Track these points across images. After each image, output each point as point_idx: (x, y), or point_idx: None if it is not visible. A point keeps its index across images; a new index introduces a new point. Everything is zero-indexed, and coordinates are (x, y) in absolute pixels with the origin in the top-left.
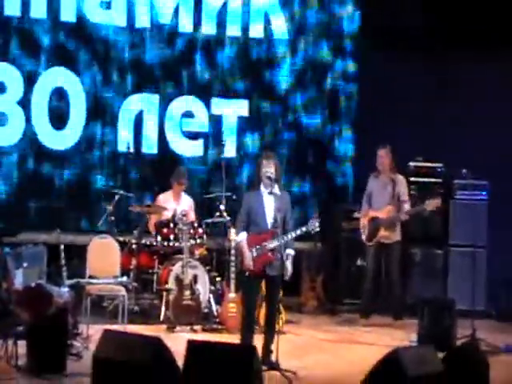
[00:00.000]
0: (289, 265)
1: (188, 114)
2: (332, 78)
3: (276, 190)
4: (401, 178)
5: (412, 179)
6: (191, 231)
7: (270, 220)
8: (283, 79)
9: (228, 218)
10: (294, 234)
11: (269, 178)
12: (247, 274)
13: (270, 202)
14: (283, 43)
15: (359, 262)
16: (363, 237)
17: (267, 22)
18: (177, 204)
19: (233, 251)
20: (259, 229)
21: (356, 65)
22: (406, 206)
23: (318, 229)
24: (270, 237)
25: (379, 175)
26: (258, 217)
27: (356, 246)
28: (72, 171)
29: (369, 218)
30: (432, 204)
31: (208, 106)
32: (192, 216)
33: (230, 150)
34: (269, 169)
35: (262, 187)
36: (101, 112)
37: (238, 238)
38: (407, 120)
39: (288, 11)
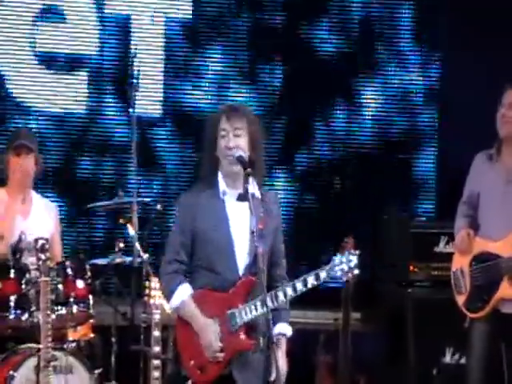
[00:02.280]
0: (281, 359)
1: None
2: None
3: (253, 188)
4: None
5: None
6: (59, 288)
7: (242, 256)
8: None
9: (145, 257)
10: (299, 287)
11: (240, 160)
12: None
13: (240, 216)
14: None
15: (450, 355)
16: (459, 298)
17: None
18: (23, 216)
19: (155, 334)
20: (218, 278)
21: None
22: None
23: (356, 270)
24: (244, 294)
25: (497, 156)
26: (215, 249)
27: (438, 317)
28: None
29: (474, 255)
30: None
31: None
32: (58, 248)
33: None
34: (236, 141)
35: (221, 183)
36: None
37: (175, 299)
38: None
39: None
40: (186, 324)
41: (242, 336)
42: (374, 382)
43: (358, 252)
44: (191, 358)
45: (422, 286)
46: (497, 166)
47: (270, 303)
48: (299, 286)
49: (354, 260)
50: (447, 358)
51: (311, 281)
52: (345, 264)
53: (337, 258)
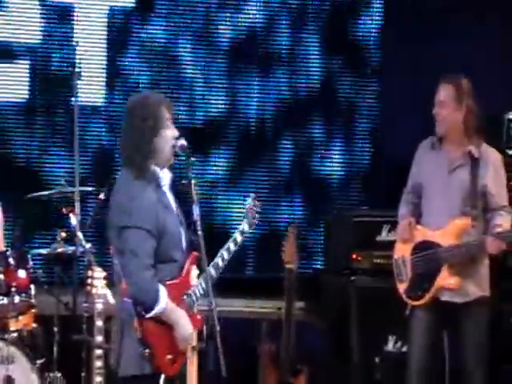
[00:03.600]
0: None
1: None
2: None
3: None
4: (492, 154)
5: None
6: (0, 277)
7: (183, 240)
8: None
9: (88, 246)
10: (232, 247)
11: (185, 148)
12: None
13: (172, 203)
14: None
15: (393, 343)
16: (400, 286)
17: None
18: None
19: (98, 323)
20: (175, 266)
21: None
22: (500, 220)
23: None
24: (189, 271)
25: (440, 144)
26: (172, 240)
27: (381, 306)
28: None
29: (415, 244)
30: None
31: None
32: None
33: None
34: (174, 131)
35: (159, 173)
36: None
37: (162, 302)
38: None
39: None
40: (156, 322)
41: (196, 316)
42: (317, 371)
43: (254, 196)
44: (167, 352)
45: (364, 275)
46: (440, 155)
47: (213, 273)
48: (232, 246)
49: (257, 203)
50: (390, 346)
51: (238, 238)
52: (254, 212)
53: (247, 208)
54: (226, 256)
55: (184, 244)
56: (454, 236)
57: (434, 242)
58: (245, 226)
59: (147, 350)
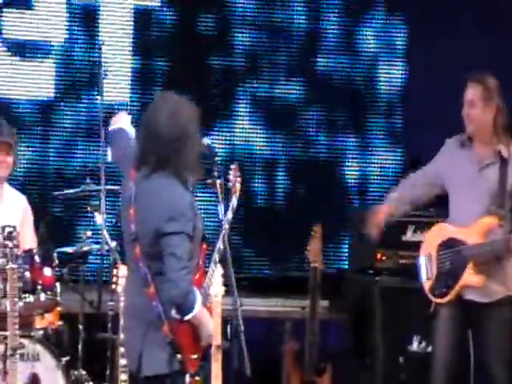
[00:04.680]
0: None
1: None
2: None
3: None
4: None
5: None
6: (27, 275)
7: None
8: None
9: (113, 245)
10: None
11: (208, 147)
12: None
13: None
14: None
15: (417, 343)
16: (425, 284)
17: None
18: None
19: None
20: (195, 263)
21: None
22: None
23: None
24: (203, 264)
25: (469, 142)
26: (197, 240)
27: (406, 306)
28: None
29: (441, 241)
30: None
31: None
32: (29, 238)
33: None
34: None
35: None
36: None
37: (199, 302)
38: None
39: None
40: (185, 323)
41: (210, 307)
42: (340, 371)
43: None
44: (193, 352)
45: (389, 274)
46: (469, 153)
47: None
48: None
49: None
50: (414, 346)
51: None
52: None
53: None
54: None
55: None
56: (481, 234)
57: (460, 240)
58: (234, 202)
59: (179, 356)
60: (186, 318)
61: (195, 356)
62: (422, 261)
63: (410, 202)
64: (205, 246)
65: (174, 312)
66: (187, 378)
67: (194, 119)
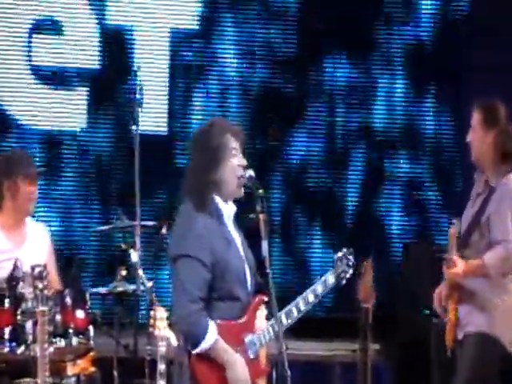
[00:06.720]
0: None
1: None
2: None
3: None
4: (506, 187)
5: None
6: (57, 318)
7: (249, 278)
8: None
9: (149, 285)
10: (310, 298)
11: (253, 179)
12: None
13: (237, 238)
14: None
15: None
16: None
17: None
18: (16, 244)
19: (161, 367)
20: (237, 305)
21: None
22: (490, 255)
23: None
24: (255, 313)
25: (478, 170)
26: (235, 277)
27: None
28: None
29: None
30: None
31: None
32: (55, 278)
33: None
34: (242, 160)
35: (221, 206)
36: None
37: (210, 337)
38: None
39: None
40: (206, 360)
41: (261, 363)
42: None
43: (351, 250)
44: None
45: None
46: (476, 183)
47: (285, 321)
48: (310, 297)
49: (351, 258)
50: None
51: (320, 289)
52: (345, 265)
53: (337, 259)
54: (302, 306)
55: (249, 283)
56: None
57: None
58: (329, 277)
59: None
60: (195, 351)
61: None
62: None
63: None
64: (262, 296)
65: (188, 344)
66: None
67: (216, 145)
